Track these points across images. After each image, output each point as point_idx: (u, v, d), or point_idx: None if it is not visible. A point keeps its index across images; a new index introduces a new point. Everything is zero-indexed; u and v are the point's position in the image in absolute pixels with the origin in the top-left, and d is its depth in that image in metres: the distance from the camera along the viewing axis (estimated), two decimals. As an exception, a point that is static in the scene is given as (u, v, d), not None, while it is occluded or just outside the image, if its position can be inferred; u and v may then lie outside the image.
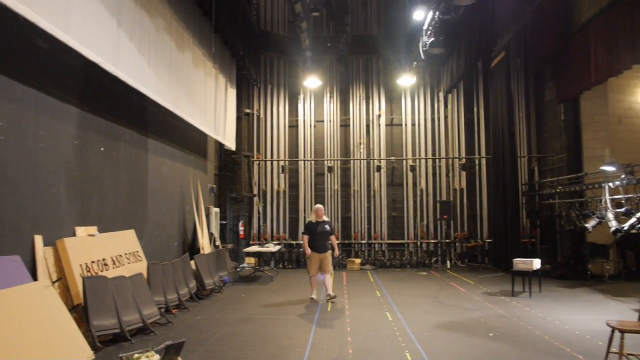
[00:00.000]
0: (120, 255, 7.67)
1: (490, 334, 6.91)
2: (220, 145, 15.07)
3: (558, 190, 12.96)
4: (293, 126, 16.30)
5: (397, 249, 15.76)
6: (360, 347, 6.31)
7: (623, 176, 10.23)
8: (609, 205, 10.55)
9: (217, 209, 14.08)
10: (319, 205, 10.00)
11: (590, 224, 10.98)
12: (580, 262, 12.28)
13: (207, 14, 11.30)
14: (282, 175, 15.98)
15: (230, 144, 14.49)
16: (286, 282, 12.13)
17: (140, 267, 8.02)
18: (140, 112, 9.27)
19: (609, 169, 10.89)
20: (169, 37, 9.44)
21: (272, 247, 13.11)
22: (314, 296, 9.45)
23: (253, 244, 15.03)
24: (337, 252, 10.18)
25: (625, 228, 9.95)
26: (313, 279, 9.53)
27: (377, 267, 15.04)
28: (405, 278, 12.84)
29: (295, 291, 10.84)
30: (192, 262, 10.08)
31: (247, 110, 16.07)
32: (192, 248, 11.60)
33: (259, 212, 15.86)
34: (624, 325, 5.05)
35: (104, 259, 7.15)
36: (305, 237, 9.69)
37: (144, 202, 9.38)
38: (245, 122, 16.01)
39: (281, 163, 15.97)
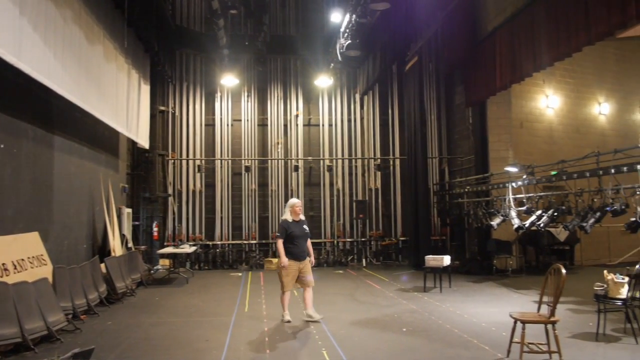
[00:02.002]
0: (23, 260, 7.18)
1: (404, 329, 7.13)
2: (133, 144, 14.46)
3: (466, 190, 13.59)
4: (210, 125, 15.98)
5: (314, 248, 15.58)
6: (278, 347, 6.31)
7: (524, 177, 10.91)
8: (512, 204, 11.21)
9: (129, 210, 13.54)
10: (296, 200, 7.90)
11: (495, 222, 11.59)
12: (486, 257, 12.98)
13: (119, 7, 10.84)
14: (198, 175, 15.62)
15: (144, 142, 13.97)
16: (202, 284, 11.88)
17: (45, 271, 7.55)
18: (45, 108, 8.72)
19: (512, 169, 11.52)
20: (78, 29, 8.95)
21: (187, 248, 12.79)
22: (287, 317, 7.53)
23: (168, 245, 14.59)
24: (313, 259, 7.91)
25: (527, 225, 10.62)
26: (285, 295, 7.54)
27: (294, 266, 15.03)
28: (322, 277, 12.93)
29: (211, 292, 10.65)
30: (103, 265, 9.62)
31: (162, 108, 15.57)
32: (102, 250, 11.06)
33: (173, 213, 15.42)
34: (525, 316, 5.39)
35: (3, 264, 6.67)
36: (280, 242, 7.44)
37: (49, 203, 8.83)
38: (159, 120, 15.50)
39: (197, 162, 15.62)
